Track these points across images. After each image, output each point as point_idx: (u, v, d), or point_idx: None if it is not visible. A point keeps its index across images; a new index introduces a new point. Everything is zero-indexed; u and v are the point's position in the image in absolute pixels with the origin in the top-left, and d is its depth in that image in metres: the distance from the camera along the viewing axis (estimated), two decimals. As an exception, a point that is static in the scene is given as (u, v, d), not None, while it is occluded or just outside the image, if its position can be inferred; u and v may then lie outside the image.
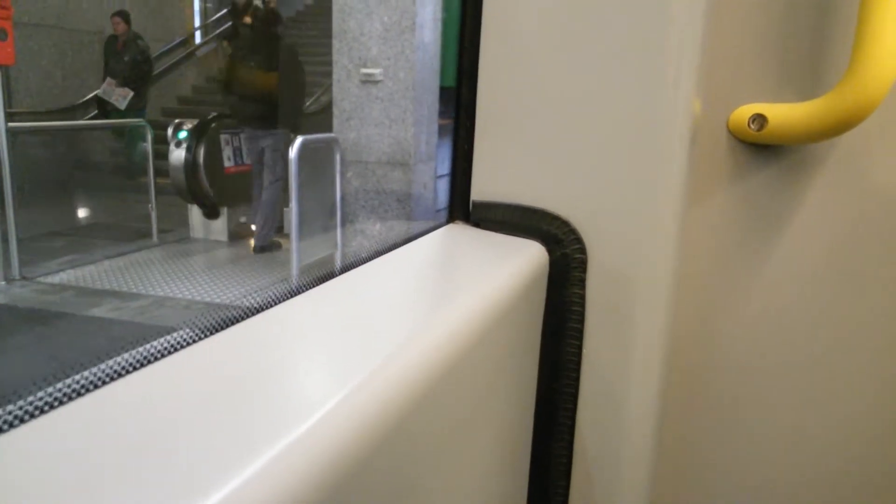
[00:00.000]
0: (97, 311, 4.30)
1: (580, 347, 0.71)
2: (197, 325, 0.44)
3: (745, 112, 0.79)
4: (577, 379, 0.72)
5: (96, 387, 0.35)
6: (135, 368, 0.37)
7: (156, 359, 0.38)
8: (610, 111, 0.67)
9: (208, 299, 4.72)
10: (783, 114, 0.77)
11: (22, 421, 0.31)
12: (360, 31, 4.94)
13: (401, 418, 0.38)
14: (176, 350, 0.40)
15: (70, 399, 0.33)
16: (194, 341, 0.41)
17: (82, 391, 0.34)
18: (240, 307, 0.47)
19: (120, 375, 0.36)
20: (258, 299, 0.50)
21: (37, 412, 0.32)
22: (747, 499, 0.89)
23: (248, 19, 6.26)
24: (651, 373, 0.72)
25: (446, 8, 5.07)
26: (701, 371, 0.87)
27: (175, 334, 0.42)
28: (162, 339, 0.41)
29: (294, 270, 4.49)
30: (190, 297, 4.76)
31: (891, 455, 0.84)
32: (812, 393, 0.85)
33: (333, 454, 0.31)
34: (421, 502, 0.42)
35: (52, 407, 0.33)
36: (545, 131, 0.70)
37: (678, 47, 0.66)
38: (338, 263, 4.98)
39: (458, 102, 0.76)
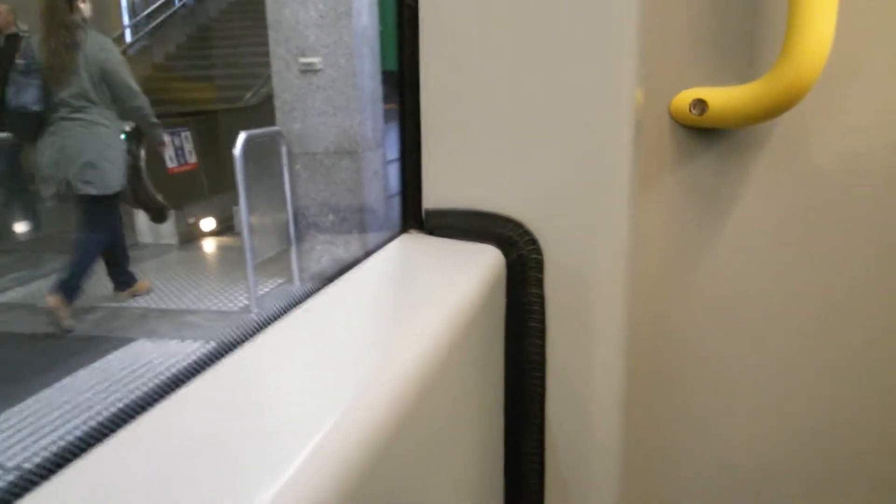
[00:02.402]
0: (51, 328, 4.18)
1: (543, 346, 0.72)
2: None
3: (685, 97, 0.80)
4: (543, 377, 0.73)
5: (68, 459, 0.34)
6: (101, 437, 0.37)
7: (130, 417, 0.38)
8: (554, 108, 0.68)
9: (164, 306, 4.63)
10: (723, 97, 0.78)
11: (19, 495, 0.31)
12: (295, 20, 4.86)
13: (381, 445, 0.38)
14: (145, 408, 0.39)
15: (60, 467, 0.33)
16: (163, 396, 0.41)
17: (62, 461, 0.34)
18: (204, 353, 0.47)
19: (95, 443, 0.36)
20: (220, 334, 0.50)
21: (23, 489, 0.32)
22: (717, 484, 0.92)
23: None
24: (614, 365, 0.74)
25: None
26: (663, 360, 0.89)
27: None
28: (130, 397, 0.41)
29: (249, 269, 4.43)
30: (145, 304, 4.66)
31: (853, 438, 0.87)
32: (772, 369, 0.87)
33: (316, 492, 0.32)
34: None
35: (44, 477, 0.33)
36: (491, 134, 0.70)
37: (617, 38, 0.66)
38: (293, 258, 4.93)
39: (403, 111, 0.75)
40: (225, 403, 0.40)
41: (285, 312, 0.55)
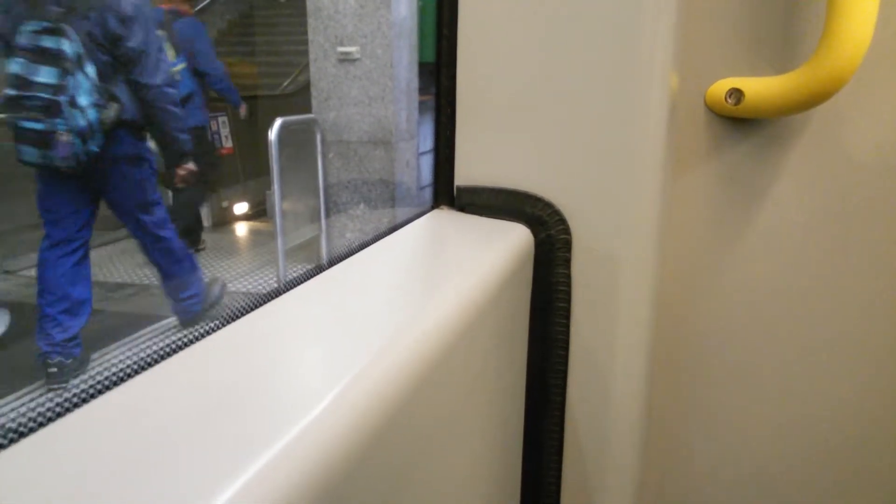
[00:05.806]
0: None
1: (568, 326, 0.73)
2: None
3: (721, 86, 0.80)
4: (566, 357, 0.73)
5: (85, 401, 0.34)
6: (124, 378, 0.37)
7: (148, 365, 0.38)
8: (588, 92, 0.68)
9: (194, 286, 4.69)
10: (759, 87, 0.77)
11: (19, 436, 0.31)
12: (334, 9, 4.88)
13: (396, 410, 0.38)
14: (169, 355, 0.40)
15: (61, 414, 0.33)
16: (185, 346, 0.41)
17: (71, 406, 0.34)
18: (228, 308, 0.47)
19: (112, 385, 0.36)
20: (246, 296, 0.50)
21: (27, 429, 0.32)
22: (736, 471, 0.92)
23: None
24: (637, 348, 0.74)
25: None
26: (687, 346, 0.89)
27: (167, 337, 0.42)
28: (153, 344, 0.41)
29: (279, 253, 4.47)
30: (175, 284, 4.73)
31: (881, 436, 0.86)
32: (797, 364, 0.87)
33: (330, 452, 0.32)
34: (418, 489, 0.43)
35: (45, 422, 0.33)
36: (525, 115, 0.71)
37: (653, 24, 0.66)
38: (323, 244, 4.97)
39: (439, 89, 0.76)
40: (229, 366, 0.40)
41: (307, 279, 0.55)
